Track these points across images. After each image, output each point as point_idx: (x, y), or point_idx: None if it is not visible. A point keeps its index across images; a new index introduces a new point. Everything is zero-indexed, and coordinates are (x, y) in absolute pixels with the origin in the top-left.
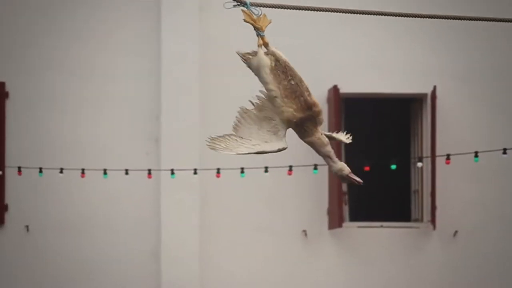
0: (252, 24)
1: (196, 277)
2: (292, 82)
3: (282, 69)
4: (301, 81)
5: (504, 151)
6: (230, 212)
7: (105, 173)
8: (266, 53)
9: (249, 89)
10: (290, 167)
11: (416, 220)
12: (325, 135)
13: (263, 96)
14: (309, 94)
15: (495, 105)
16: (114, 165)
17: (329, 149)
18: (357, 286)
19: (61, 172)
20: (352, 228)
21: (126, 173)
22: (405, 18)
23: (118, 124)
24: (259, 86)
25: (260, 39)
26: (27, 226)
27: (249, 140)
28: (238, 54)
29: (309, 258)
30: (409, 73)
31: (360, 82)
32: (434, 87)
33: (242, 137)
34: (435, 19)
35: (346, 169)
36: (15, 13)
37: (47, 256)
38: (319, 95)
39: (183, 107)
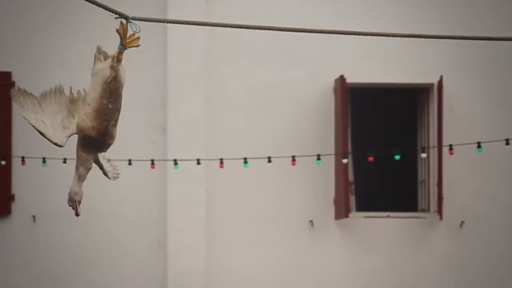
0: (121, 37)
1: (202, 268)
2: (110, 106)
3: (112, 89)
4: (118, 110)
5: (507, 141)
6: (236, 202)
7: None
8: (112, 67)
9: (254, 78)
10: (293, 157)
11: (422, 211)
12: (97, 162)
13: (82, 94)
14: (114, 125)
15: (501, 95)
16: (120, 154)
17: (85, 172)
18: (364, 276)
19: (64, 162)
20: (358, 218)
21: (129, 164)
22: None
23: (124, 113)
24: (265, 78)
25: (118, 53)
26: (33, 216)
27: (43, 113)
28: (97, 49)
29: (316, 249)
30: (416, 63)
31: (367, 72)
32: (441, 77)
33: (41, 106)
34: (439, 13)
35: (78, 197)
36: (21, 5)
37: (53, 246)
38: (325, 85)
39: (189, 96)
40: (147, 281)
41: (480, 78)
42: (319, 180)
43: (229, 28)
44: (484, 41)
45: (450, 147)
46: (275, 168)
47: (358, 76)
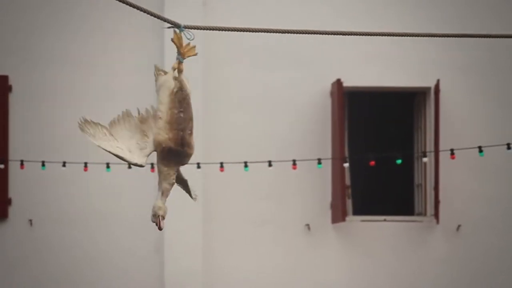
0: (177, 47)
1: (199, 271)
2: (182, 115)
3: (180, 98)
4: (190, 119)
5: (508, 146)
6: (233, 206)
7: (108, 166)
8: (175, 78)
9: (252, 81)
10: (294, 161)
11: (419, 214)
12: (179, 178)
13: (150, 111)
14: (191, 134)
15: (499, 98)
16: (117, 159)
17: (168, 187)
18: (361, 280)
19: (63, 165)
20: (355, 222)
21: (129, 167)
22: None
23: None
24: (262, 80)
25: (178, 63)
26: (30, 220)
27: (116, 141)
28: (155, 68)
29: (312, 252)
30: (413, 66)
31: (364, 76)
32: (438, 81)
33: (112, 134)
34: (439, 13)
35: (162, 212)
36: (18, 7)
37: (50, 249)
38: (322, 89)
39: None
40: (144, 283)
41: (477, 82)
42: (316, 183)
43: (227, 32)
44: (482, 44)
45: (452, 152)
46: (272, 171)
47: (355, 79)
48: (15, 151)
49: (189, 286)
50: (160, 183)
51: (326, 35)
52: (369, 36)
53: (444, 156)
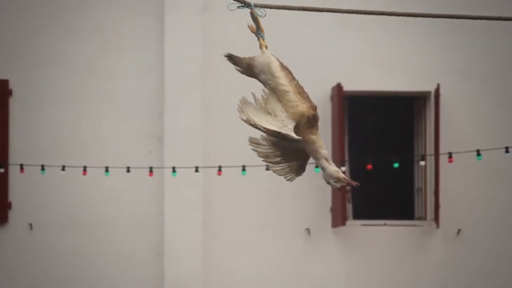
0: (258, 24)
1: (199, 275)
2: (298, 83)
3: (288, 70)
4: (302, 86)
5: (507, 149)
6: (233, 210)
7: (107, 170)
8: (270, 54)
9: (252, 87)
10: None
11: (419, 219)
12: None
13: (266, 92)
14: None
15: (498, 103)
16: (116, 163)
17: (326, 152)
18: (361, 284)
19: (63, 169)
20: (355, 226)
21: (128, 171)
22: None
23: (121, 122)
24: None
25: (262, 40)
26: (30, 224)
27: (276, 116)
28: (231, 56)
29: (312, 256)
30: (413, 71)
31: (364, 80)
32: (438, 85)
33: (270, 113)
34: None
35: (341, 173)
36: (18, 11)
37: (50, 254)
38: (322, 93)
39: (186, 105)
40: (145, 286)
41: (477, 86)
42: (316, 188)
43: (226, 36)
44: (482, 49)
45: (450, 155)
46: (272, 175)
47: (355, 84)
48: (15, 155)
49: None
50: (317, 153)
51: (327, 42)
52: (370, 41)
53: (444, 160)
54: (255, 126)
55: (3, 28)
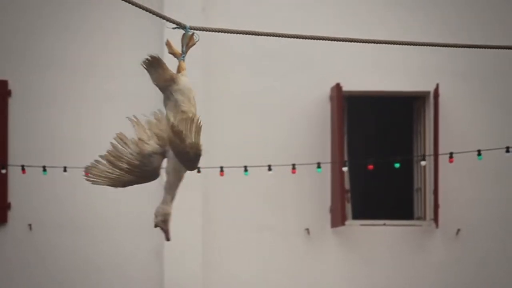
0: (185, 46)
1: (199, 276)
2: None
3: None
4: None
5: (507, 149)
6: (233, 210)
7: None
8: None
9: (251, 86)
10: (293, 165)
11: (419, 218)
12: None
13: (158, 113)
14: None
15: (498, 103)
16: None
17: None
18: (360, 284)
19: (64, 170)
20: (354, 226)
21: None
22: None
23: (121, 122)
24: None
25: (182, 63)
26: (30, 225)
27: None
28: (159, 60)
29: (312, 256)
30: (412, 71)
31: (363, 80)
32: (437, 85)
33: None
34: (438, 18)
35: (168, 219)
36: (17, 11)
37: (50, 254)
38: (321, 93)
39: None
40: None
41: (477, 86)
42: (316, 188)
43: (226, 37)
44: (482, 49)
45: (450, 155)
46: (272, 176)
47: (354, 84)
48: (14, 156)
49: None
50: (174, 187)
51: (326, 41)
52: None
53: (443, 160)
54: (181, 134)
55: (3, 28)
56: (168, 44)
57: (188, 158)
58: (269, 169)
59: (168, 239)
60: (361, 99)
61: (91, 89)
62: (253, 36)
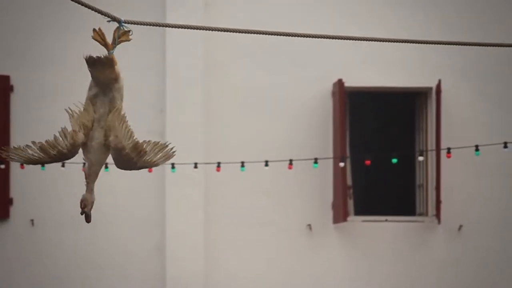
0: (102, 43)
1: (201, 273)
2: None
3: None
4: None
5: (505, 144)
6: (235, 207)
7: (106, 167)
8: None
9: (252, 82)
10: (291, 161)
11: (421, 215)
12: None
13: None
14: None
15: (500, 99)
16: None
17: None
18: (362, 280)
19: (62, 166)
20: (356, 222)
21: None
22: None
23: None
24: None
25: (114, 56)
26: (32, 220)
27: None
28: (111, 60)
29: (314, 252)
30: (414, 67)
31: (365, 76)
32: (439, 81)
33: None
34: (438, 17)
35: (90, 203)
36: (18, 11)
37: (52, 250)
38: (323, 89)
39: (188, 101)
40: (146, 285)
41: (479, 82)
42: (317, 184)
43: (228, 33)
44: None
45: (448, 150)
46: (274, 172)
47: (356, 79)
48: None
49: (191, 287)
50: (94, 176)
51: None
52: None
53: (445, 156)
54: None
55: (3, 28)
56: (99, 32)
57: (131, 166)
58: (266, 165)
59: (89, 221)
60: (363, 95)
61: None
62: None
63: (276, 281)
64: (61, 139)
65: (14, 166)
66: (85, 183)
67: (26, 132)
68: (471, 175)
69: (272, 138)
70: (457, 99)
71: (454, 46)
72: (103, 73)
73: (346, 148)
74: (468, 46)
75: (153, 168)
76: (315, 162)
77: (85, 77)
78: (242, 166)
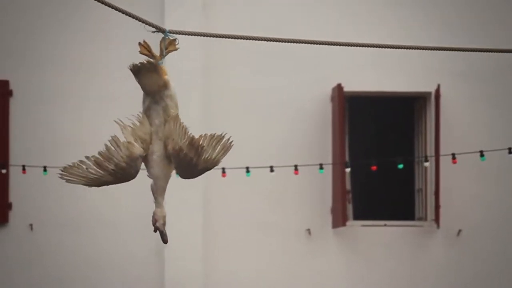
0: (149, 54)
1: (200, 276)
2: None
3: None
4: None
5: (510, 150)
6: (234, 211)
7: None
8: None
9: (251, 86)
10: (296, 166)
11: (420, 219)
12: None
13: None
14: None
15: (499, 103)
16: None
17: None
18: (361, 284)
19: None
20: (356, 227)
21: None
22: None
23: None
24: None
25: (164, 67)
26: (31, 225)
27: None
28: (155, 67)
29: (313, 257)
30: (413, 71)
31: (364, 81)
32: (438, 86)
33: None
34: (439, 18)
35: (161, 217)
36: (18, 11)
37: (51, 254)
38: (322, 94)
39: (186, 104)
40: (145, 287)
41: (478, 87)
42: (317, 188)
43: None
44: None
45: (453, 156)
46: (273, 176)
47: (355, 84)
48: (15, 156)
49: None
50: (162, 190)
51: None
52: (370, 41)
53: (444, 161)
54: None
55: (3, 28)
56: (144, 44)
57: (193, 171)
58: (272, 170)
59: (166, 241)
60: (362, 100)
61: (92, 89)
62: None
63: (275, 284)
64: (113, 149)
65: (14, 171)
66: (154, 199)
67: (25, 137)
68: (470, 179)
69: (271, 142)
70: (456, 104)
71: (453, 51)
72: (149, 79)
73: (345, 153)
74: (467, 52)
75: None
76: (321, 168)
77: (84, 81)
78: (248, 171)
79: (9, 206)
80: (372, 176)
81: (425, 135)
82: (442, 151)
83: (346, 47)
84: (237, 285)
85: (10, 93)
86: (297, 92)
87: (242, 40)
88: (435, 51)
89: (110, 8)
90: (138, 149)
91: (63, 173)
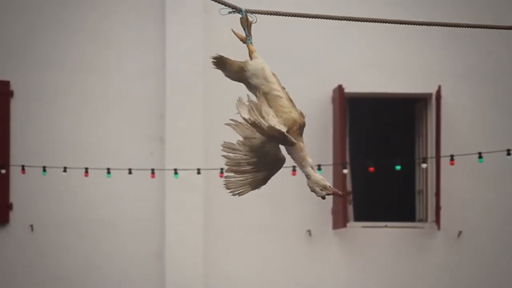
0: (246, 28)
1: (200, 278)
2: (285, 89)
3: (276, 77)
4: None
5: (508, 152)
6: (234, 212)
7: (108, 172)
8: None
9: None
10: (294, 167)
11: (420, 220)
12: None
13: (258, 96)
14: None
15: (500, 105)
16: (118, 164)
17: (311, 160)
18: (361, 286)
19: (64, 171)
20: (356, 228)
21: (130, 173)
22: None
23: (122, 123)
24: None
25: (252, 46)
26: (31, 225)
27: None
28: (221, 58)
29: (314, 258)
30: (414, 73)
31: (365, 82)
32: (439, 87)
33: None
34: (439, 18)
35: (327, 181)
36: (18, 11)
37: (51, 255)
38: (323, 95)
39: (188, 106)
40: None
41: (479, 88)
42: None
43: (228, 37)
44: (483, 50)
45: (451, 158)
46: (273, 178)
47: (356, 85)
48: (16, 156)
49: None
50: (303, 160)
51: (328, 43)
52: (371, 42)
53: (445, 162)
54: (256, 124)
55: (4, 28)
56: (234, 33)
57: (279, 140)
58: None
59: (340, 194)
60: (363, 101)
61: (92, 90)
62: (255, 37)
63: (275, 286)
64: (232, 155)
65: (14, 172)
66: (304, 170)
67: (26, 138)
68: (471, 181)
69: None
70: (457, 105)
71: (455, 52)
72: (227, 71)
73: (346, 154)
74: (467, 53)
75: (154, 173)
76: (319, 169)
77: (85, 83)
78: None
79: (9, 206)
80: (372, 178)
81: (426, 136)
82: (443, 152)
83: (348, 49)
84: (238, 287)
85: (11, 94)
86: (298, 93)
87: (242, 41)
88: (436, 53)
89: (110, 8)
90: (255, 139)
91: (233, 191)
